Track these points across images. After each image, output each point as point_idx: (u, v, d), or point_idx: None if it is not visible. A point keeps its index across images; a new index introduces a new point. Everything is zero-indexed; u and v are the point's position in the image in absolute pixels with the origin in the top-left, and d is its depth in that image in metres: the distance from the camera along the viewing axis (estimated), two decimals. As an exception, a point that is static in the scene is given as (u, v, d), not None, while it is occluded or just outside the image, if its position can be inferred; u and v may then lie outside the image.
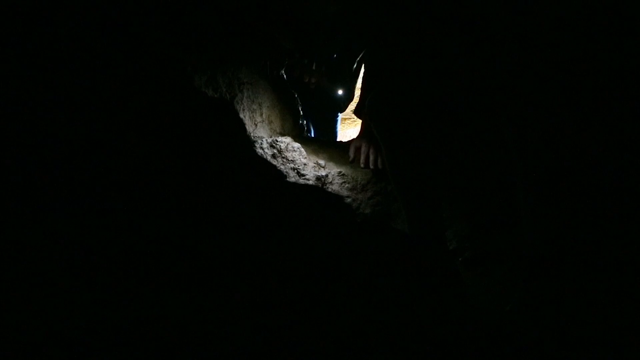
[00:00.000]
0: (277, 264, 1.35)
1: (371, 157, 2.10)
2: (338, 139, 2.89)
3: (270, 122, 2.22)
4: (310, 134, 2.79)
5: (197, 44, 2.08)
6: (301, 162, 2.06)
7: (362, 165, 2.10)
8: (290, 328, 1.15)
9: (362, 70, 2.53)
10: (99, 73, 1.47)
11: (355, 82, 2.70)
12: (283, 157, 2.06)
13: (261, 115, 2.20)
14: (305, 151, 2.12)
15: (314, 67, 2.43)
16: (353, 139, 2.22)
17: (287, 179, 1.98)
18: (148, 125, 1.52)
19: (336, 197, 1.88)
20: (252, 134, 2.13)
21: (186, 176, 1.49)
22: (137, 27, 1.70)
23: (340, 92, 2.59)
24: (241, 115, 2.10)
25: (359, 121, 2.26)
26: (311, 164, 2.07)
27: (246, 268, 1.29)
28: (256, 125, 2.20)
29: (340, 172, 2.06)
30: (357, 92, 2.46)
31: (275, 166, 1.97)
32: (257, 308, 1.19)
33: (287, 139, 2.14)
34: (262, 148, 2.10)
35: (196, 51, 2.09)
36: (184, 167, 1.52)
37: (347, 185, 2.02)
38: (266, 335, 1.10)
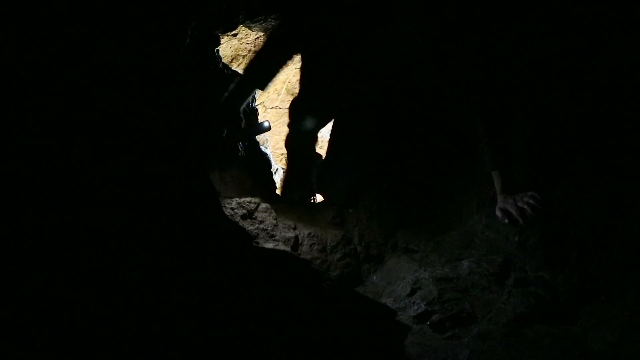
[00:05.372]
0: (244, 328, 1.33)
1: None
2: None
3: (240, 183, 2.23)
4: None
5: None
6: (271, 222, 2.06)
7: None
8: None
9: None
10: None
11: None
12: (253, 218, 2.05)
13: (231, 175, 2.21)
14: (275, 212, 2.12)
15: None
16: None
17: (257, 241, 1.97)
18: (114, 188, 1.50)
19: (304, 261, 1.87)
20: (221, 194, 2.13)
21: (154, 238, 1.46)
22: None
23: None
24: (211, 176, 2.11)
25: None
26: (281, 225, 2.07)
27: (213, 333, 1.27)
28: (226, 185, 2.21)
29: (309, 233, 2.06)
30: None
31: (244, 228, 1.96)
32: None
33: (257, 200, 2.14)
34: (232, 209, 2.09)
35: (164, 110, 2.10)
36: (152, 230, 1.50)
37: (317, 247, 2.02)
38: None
